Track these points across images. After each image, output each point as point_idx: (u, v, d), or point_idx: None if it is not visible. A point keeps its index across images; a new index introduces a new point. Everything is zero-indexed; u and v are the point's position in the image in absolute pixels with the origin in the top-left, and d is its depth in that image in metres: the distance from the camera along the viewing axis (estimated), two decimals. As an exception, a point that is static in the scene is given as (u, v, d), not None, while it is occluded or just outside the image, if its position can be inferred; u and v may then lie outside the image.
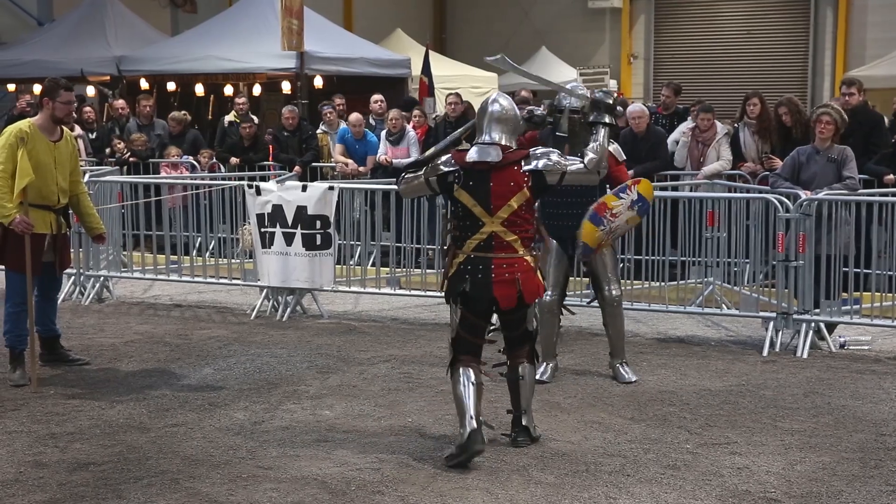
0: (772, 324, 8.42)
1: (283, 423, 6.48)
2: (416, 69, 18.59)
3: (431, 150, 6.27)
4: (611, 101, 6.44)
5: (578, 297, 9.41)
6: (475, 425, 5.67)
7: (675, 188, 11.04)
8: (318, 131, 14.20)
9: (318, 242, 9.30)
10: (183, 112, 14.69)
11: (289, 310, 9.63)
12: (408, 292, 9.92)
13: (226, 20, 18.18)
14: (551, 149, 6.05)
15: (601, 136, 6.16)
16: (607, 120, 6.32)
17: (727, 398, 7.03)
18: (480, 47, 27.79)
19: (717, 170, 11.29)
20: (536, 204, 6.04)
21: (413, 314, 9.85)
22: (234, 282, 10.42)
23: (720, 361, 8.06)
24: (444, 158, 5.90)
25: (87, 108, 16.09)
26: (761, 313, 8.67)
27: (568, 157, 6.11)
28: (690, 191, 10.80)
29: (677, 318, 9.39)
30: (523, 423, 6.05)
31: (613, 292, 7.52)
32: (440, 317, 9.56)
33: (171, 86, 17.35)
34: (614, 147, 7.38)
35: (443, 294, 5.99)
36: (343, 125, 13.62)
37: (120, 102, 15.65)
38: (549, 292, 7.38)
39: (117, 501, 5.22)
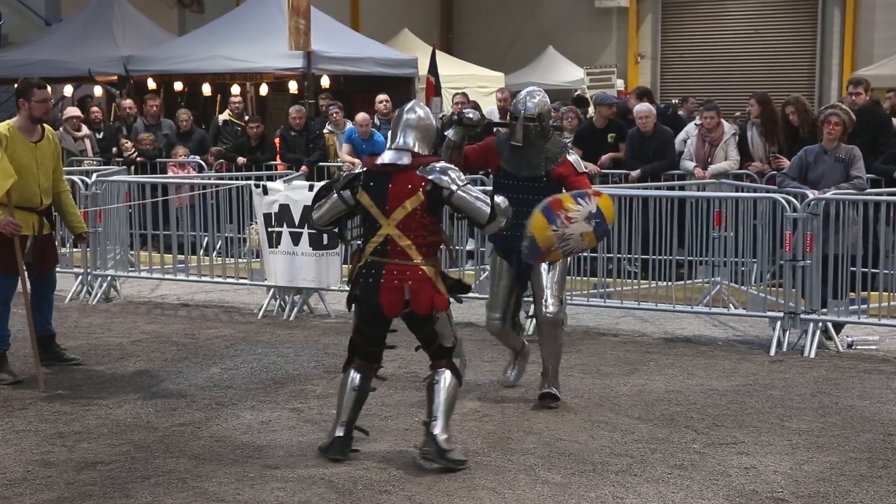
0: (779, 323, 8.40)
1: (290, 422, 6.48)
2: (423, 69, 18.57)
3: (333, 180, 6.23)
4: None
5: (585, 297, 9.42)
6: (341, 434, 5.80)
7: (681, 188, 11.03)
8: (325, 130, 14.21)
9: (325, 242, 9.31)
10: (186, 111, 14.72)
11: (296, 309, 9.64)
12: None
13: (233, 20, 18.19)
14: (451, 166, 5.85)
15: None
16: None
17: (734, 398, 7.02)
18: (487, 47, 27.93)
19: (724, 169, 11.27)
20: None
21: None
22: (241, 281, 10.43)
23: (727, 361, 8.05)
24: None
25: (95, 108, 16.12)
26: (769, 313, 8.66)
27: (465, 179, 5.79)
28: (697, 190, 10.78)
29: (684, 317, 9.37)
30: (432, 430, 5.65)
31: (550, 308, 6.67)
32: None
33: (178, 85, 17.37)
34: (574, 158, 6.81)
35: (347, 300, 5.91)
36: (350, 125, 13.64)
37: (127, 102, 15.67)
38: (495, 315, 6.90)
39: (125, 500, 5.23)
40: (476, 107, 13.79)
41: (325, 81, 16.61)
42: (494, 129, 7.82)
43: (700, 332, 9.10)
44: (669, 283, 9.34)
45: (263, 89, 17.57)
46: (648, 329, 9.18)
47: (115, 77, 17.54)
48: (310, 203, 6.19)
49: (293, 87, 16.69)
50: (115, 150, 14.54)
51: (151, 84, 16.99)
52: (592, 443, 6.10)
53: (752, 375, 7.62)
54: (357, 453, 5.83)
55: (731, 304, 9.36)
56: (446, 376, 5.76)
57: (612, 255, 9.69)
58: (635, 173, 11.46)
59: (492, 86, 20.61)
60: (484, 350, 8.36)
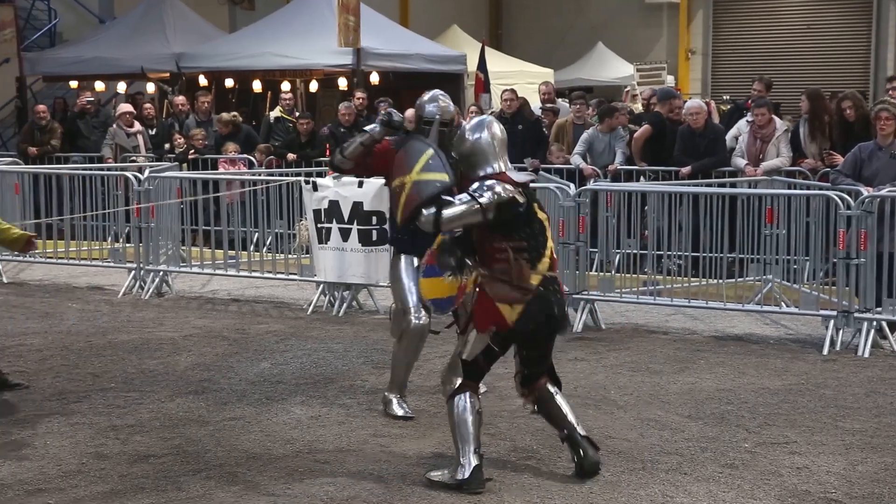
0: (832, 322, 8.30)
1: (340, 417, 6.51)
2: (472, 65, 18.57)
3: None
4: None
5: (635, 295, 9.37)
6: (475, 462, 5.33)
7: (732, 185, 10.93)
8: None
9: (375, 238, 9.33)
10: (233, 114, 14.78)
11: (345, 305, 9.68)
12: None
13: (283, 17, 18.30)
14: None
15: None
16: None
17: (786, 397, 6.95)
18: (536, 43, 27.85)
19: (776, 166, 11.15)
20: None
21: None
22: (291, 277, 10.49)
23: (779, 360, 7.97)
24: (485, 184, 5.37)
25: (147, 105, 16.32)
26: (821, 311, 8.56)
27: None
28: (749, 187, 10.69)
29: (735, 315, 9.29)
30: (582, 433, 5.51)
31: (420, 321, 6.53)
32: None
33: (228, 82, 17.50)
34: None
35: (515, 322, 5.35)
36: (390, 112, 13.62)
37: (179, 99, 15.82)
38: (413, 316, 6.54)
39: (177, 493, 5.28)
40: (525, 103, 13.82)
41: (374, 78, 16.66)
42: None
43: (751, 330, 9.02)
44: (720, 281, 9.26)
45: (313, 86, 17.65)
46: (699, 327, 9.11)
47: (168, 74, 17.71)
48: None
49: (343, 83, 16.75)
50: (167, 146, 14.70)
51: (203, 81, 17.13)
52: (642, 441, 6.07)
53: (804, 374, 7.54)
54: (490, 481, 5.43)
55: (783, 303, 9.26)
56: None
57: (661, 252, 9.62)
58: (685, 170, 11.38)
59: (541, 82, 20.52)
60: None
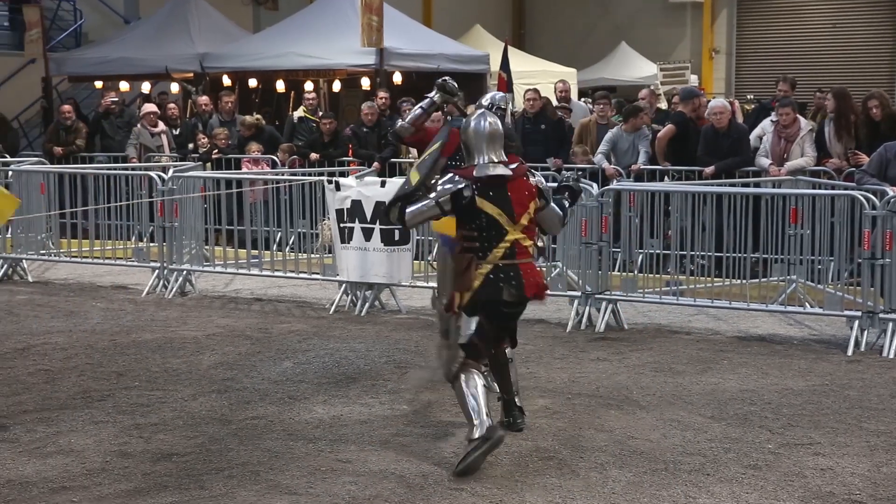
0: (857, 323, 8.25)
1: (362, 416, 6.52)
2: (495, 65, 18.52)
3: (415, 181, 6.31)
4: (574, 184, 6.42)
5: (658, 295, 9.33)
6: (491, 421, 5.70)
7: (756, 184, 10.88)
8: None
9: (397, 238, 9.34)
10: (257, 117, 14.82)
11: (367, 305, 9.70)
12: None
13: (306, 17, 18.34)
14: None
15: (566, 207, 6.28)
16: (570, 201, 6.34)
17: (810, 398, 6.91)
18: (559, 43, 27.81)
19: (800, 166, 11.09)
20: None
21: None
22: (314, 276, 10.51)
23: (803, 360, 7.92)
24: (445, 178, 5.97)
25: (171, 105, 16.39)
26: (846, 312, 8.50)
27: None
28: (773, 187, 10.63)
29: (759, 316, 9.25)
30: (519, 402, 6.24)
31: None
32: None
33: (252, 82, 17.56)
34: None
35: (462, 307, 5.90)
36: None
37: (203, 99, 15.88)
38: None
39: (199, 492, 5.31)
40: (548, 103, 13.81)
41: (397, 78, 16.68)
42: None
43: (775, 330, 8.97)
44: (744, 281, 9.22)
45: (336, 86, 17.68)
46: (722, 327, 9.07)
47: (192, 74, 17.79)
48: (388, 201, 6.26)
49: (366, 83, 16.78)
50: (190, 146, 14.76)
51: (226, 81, 17.19)
52: (664, 441, 6.05)
53: (828, 375, 7.50)
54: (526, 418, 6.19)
55: (807, 303, 9.21)
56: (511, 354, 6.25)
57: (685, 252, 9.59)
58: (709, 170, 11.34)
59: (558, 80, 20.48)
60: (555, 347, 8.34)
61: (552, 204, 6.13)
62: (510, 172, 5.91)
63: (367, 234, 9.42)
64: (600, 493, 5.28)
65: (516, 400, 6.23)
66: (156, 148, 14.86)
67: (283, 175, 11.94)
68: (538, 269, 6.15)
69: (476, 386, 5.79)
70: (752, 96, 22.11)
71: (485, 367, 6.13)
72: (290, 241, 11.36)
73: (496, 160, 5.92)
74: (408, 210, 6.03)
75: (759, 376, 7.47)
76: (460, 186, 5.86)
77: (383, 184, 9.42)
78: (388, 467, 5.63)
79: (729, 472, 5.57)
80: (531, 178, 6.04)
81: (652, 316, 9.43)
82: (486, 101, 6.85)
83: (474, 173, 5.88)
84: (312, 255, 10.88)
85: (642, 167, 12.00)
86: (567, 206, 6.28)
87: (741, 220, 9.19)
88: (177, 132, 15.45)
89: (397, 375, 7.45)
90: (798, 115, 11.55)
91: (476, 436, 5.58)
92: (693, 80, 23.73)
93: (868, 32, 26.31)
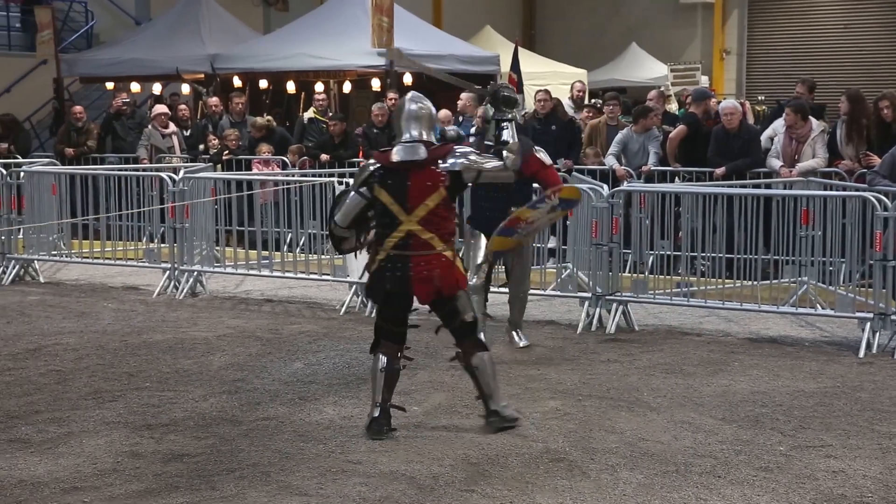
0: (869, 325, 8.22)
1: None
2: (506, 66, 18.52)
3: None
4: (508, 94, 6.57)
5: (669, 296, 9.32)
6: (376, 414, 6.06)
7: (767, 186, 10.86)
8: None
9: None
10: (268, 118, 14.83)
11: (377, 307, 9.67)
12: (496, 289, 9.90)
13: (317, 18, 18.36)
14: (471, 149, 6.29)
15: (510, 135, 6.34)
16: (510, 116, 6.46)
17: (822, 400, 6.89)
18: (570, 44, 27.77)
19: (811, 167, 11.06)
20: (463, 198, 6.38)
21: (502, 311, 9.82)
22: (324, 278, 10.52)
23: (814, 363, 7.90)
24: (365, 164, 6.16)
25: (182, 106, 16.43)
26: (858, 314, 8.47)
27: (484, 155, 6.32)
28: (784, 188, 10.61)
29: (770, 317, 9.23)
30: (491, 407, 6.19)
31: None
32: (528, 314, 9.52)
33: (262, 83, 17.58)
34: (542, 154, 7.83)
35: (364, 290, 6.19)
36: (451, 127, 13.64)
37: (213, 100, 15.91)
38: (475, 277, 7.89)
39: (210, 492, 5.31)
40: (559, 104, 13.80)
41: (407, 79, 16.68)
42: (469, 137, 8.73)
43: (786, 332, 8.95)
44: (755, 283, 9.19)
45: (346, 87, 17.69)
46: (733, 329, 9.05)
47: (202, 75, 17.81)
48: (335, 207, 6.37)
49: (376, 84, 16.78)
50: (201, 147, 14.78)
51: (237, 82, 17.22)
52: (675, 443, 6.03)
53: (840, 377, 7.47)
54: (395, 432, 6.10)
55: (818, 305, 9.19)
56: (481, 358, 6.18)
57: (695, 253, 9.57)
58: (720, 171, 11.31)
59: (574, 82, 20.45)
60: (566, 348, 8.34)
61: (485, 164, 6.11)
62: (420, 157, 5.94)
63: (378, 236, 9.41)
64: (611, 495, 5.27)
65: (489, 404, 6.21)
66: (166, 149, 14.89)
67: (293, 176, 11.95)
68: (454, 267, 6.08)
69: (377, 370, 6.08)
70: (762, 97, 22.04)
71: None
72: (301, 243, 11.37)
73: (412, 140, 5.99)
74: (335, 216, 6.16)
75: (770, 378, 7.46)
76: (371, 170, 5.99)
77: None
78: (399, 468, 5.63)
79: (740, 474, 5.56)
80: (447, 162, 5.99)
81: (662, 317, 9.42)
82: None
83: (391, 156, 5.97)
84: (323, 256, 10.89)
85: (653, 168, 11.98)
86: (508, 134, 6.26)
87: (752, 222, 9.17)
88: (187, 133, 15.48)
89: (408, 377, 7.44)
90: (810, 117, 11.49)
91: (370, 415, 6.10)
92: (704, 81, 23.69)
93: (880, 33, 26.19)
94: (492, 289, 8.36)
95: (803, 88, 12.69)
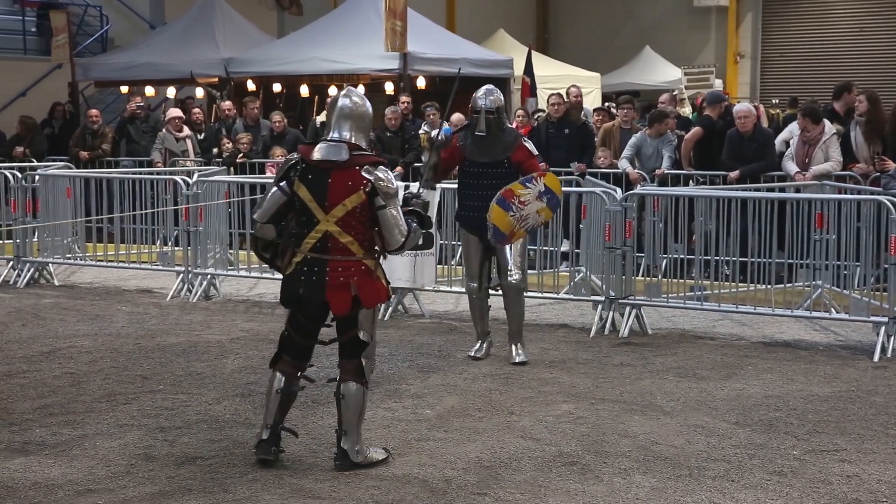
0: (883, 328, 8.19)
1: (385, 421, 6.52)
2: (519, 69, 18.56)
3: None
4: (418, 199, 6.06)
5: (682, 300, 9.29)
6: (265, 436, 5.71)
7: (781, 189, 10.83)
8: (421, 131, 14.27)
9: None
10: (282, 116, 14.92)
11: (390, 309, 9.70)
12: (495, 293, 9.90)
13: (330, 22, 18.39)
14: (388, 175, 5.67)
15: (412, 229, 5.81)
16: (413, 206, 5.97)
17: (836, 404, 6.86)
18: (583, 47, 27.76)
19: (825, 170, 11.02)
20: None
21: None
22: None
23: (828, 366, 7.87)
24: (287, 157, 6.02)
25: (196, 110, 16.47)
26: (872, 318, 8.44)
27: (404, 203, 5.89)
28: (798, 192, 10.57)
29: (784, 321, 9.20)
30: (342, 445, 5.67)
31: (514, 277, 7.90)
32: (541, 317, 9.54)
33: (276, 87, 17.62)
34: (529, 143, 8.01)
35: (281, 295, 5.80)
36: (446, 125, 13.66)
37: (227, 104, 15.94)
38: (473, 283, 8.05)
39: (224, 495, 5.32)
40: (572, 107, 13.77)
41: (420, 82, 16.70)
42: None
43: (800, 336, 8.92)
44: (768, 287, 9.17)
45: (360, 90, 17.70)
46: (746, 333, 9.03)
47: (216, 79, 17.87)
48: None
49: (389, 88, 16.80)
50: (215, 150, 14.82)
51: (251, 86, 17.26)
52: (689, 447, 6.02)
53: (854, 381, 7.44)
54: (283, 454, 5.77)
55: (832, 309, 9.16)
56: (350, 388, 5.67)
57: (709, 257, 9.55)
58: (734, 174, 11.29)
59: (588, 86, 20.48)
60: (579, 352, 8.32)
61: (391, 210, 5.62)
62: (340, 159, 5.57)
63: (391, 239, 9.41)
64: (624, 499, 5.26)
65: (342, 441, 5.66)
66: (180, 153, 14.93)
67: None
68: (376, 278, 5.69)
69: (273, 390, 5.72)
70: (776, 101, 21.99)
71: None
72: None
73: (338, 140, 5.62)
74: (255, 213, 5.79)
75: (784, 382, 7.43)
76: (292, 162, 5.68)
77: (407, 188, 9.41)
78: (411, 471, 5.63)
79: (754, 478, 5.54)
80: (372, 174, 5.57)
81: (676, 321, 9.40)
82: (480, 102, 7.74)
83: (313, 153, 5.62)
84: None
85: (666, 172, 11.96)
86: (413, 225, 5.79)
87: (766, 225, 9.15)
88: (201, 137, 15.52)
89: (420, 380, 7.45)
90: (824, 120, 11.44)
91: (258, 436, 5.75)
92: (718, 84, 23.65)
93: (894, 37, 26.09)
94: (491, 293, 8.19)
95: (866, 102, 11.23)
